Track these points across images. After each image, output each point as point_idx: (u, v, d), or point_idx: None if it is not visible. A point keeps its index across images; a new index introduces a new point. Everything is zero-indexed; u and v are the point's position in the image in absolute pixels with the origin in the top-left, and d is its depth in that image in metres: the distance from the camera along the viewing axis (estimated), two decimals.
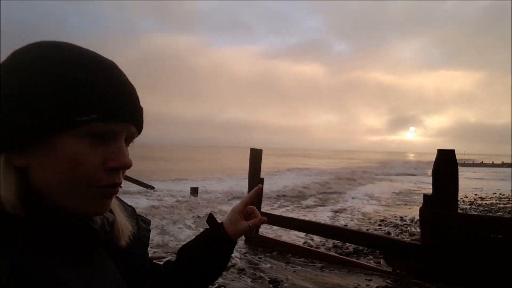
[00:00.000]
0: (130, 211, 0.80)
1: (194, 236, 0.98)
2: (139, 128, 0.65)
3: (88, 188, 0.57)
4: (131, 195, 12.92)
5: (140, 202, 11.23)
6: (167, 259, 0.90)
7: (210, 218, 0.98)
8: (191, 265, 0.91)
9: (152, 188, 14.96)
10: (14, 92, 0.55)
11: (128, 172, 0.64)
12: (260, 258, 6.35)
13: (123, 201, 0.78)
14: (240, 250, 6.72)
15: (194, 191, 13.43)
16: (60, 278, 0.54)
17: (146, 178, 16.77)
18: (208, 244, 0.93)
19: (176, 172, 26.30)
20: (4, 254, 0.50)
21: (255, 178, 7.32)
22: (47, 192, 0.57)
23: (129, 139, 0.64)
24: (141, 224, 0.80)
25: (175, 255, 0.94)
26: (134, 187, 14.40)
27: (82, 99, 0.55)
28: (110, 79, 0.59)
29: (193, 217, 10.51)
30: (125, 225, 0.72)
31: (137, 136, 0.66)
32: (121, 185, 0.63)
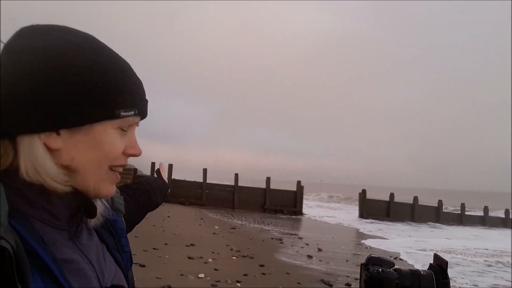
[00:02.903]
0: None
1: None
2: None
3: (108, 171, 0.69)
4: None
5: None
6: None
7: (158, 172, 1.50)
8: (150, 200, 1.29)
9: None
10: (65, 78, 0.62)
11: None
12: None
13: None
14: None
15: None
16: (64, 252, 0.65)
17: None
18: (162, 188, 1.42)
19: None
20: (14, 229, 0.56)
21: None
22: (74, 173, 0.65)
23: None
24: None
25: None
26: None
27: (127, 97, 0.68)
28: (138, 79, 0.73)
29: None
30: (98, 207, 0.76)
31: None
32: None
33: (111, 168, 0.70)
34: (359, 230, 21.06)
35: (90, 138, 0.65)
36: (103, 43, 0.71)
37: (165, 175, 1.51)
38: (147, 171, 28.22)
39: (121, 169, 0.72)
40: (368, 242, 15.95)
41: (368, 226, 23.33)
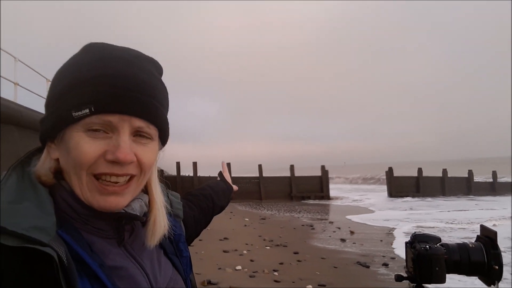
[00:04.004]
0: (160, 187, 0.85)
1: None
2: (152, 121, 0.68)
3: (89, 177, 0.65)
4: None
5: None
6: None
7: (221, 175, 1.48)
8: (214, 204, 1.28)
9: None
10: (48, 95, 0.70)
11: None
12: None
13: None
14: None
15: None
16: (113, 259, 0.67)
17: None
18: (225, 191, 1.40)
19: None
20: (62, 238, 0.61)
21: None
22: (68, 181, 0.67)
23: (140, 133, 0.67)
24: (172, 198, 0.92)
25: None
26: None
27: (77, 96, 0.64)
28: (109, 72, 0.65)
29: None
30: (160, 224, 0.76)
31: (154, 131, 0.69)
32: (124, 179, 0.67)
33: (96, 177, 0.65)
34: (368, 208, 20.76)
35: (64, 146, 0.65)
36: (93, 46, 0.69)
37: (227, 176, 1.50)
38: (172, 171, 28.64)
39: (110, 178, 0.65)
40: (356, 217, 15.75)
41: (399, 205, 23.01)
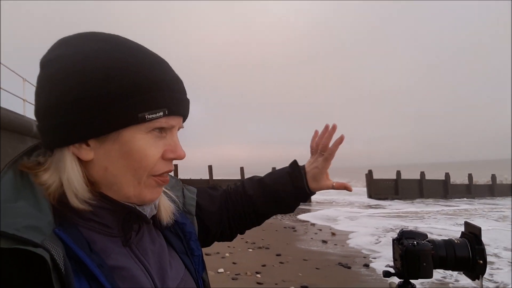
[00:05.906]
0: (174, 182, 0.88)
1: None
2: (185, 119, 0.72)
3: (148, 178, 0.65)
4: None
5: None
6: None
7: (295, 166, 1.03)
8: (266, 204, 1.03)
9: None
10: (84, 88, 0.60)
11: None
12: None
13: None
14: None
15: None
16: (115, 259, 0.64)
17: None
18: (288, 189, 1.01)
19: None
20: (60, 239, 0.57)
21: None
22: (109, 182, 0.64)
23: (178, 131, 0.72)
24: (187, 193, 0.90)
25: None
26: None
27: (149, 98, 0.62)
28: (169, 76, 0.66)
29: None
30: (167, 207, 0.78)
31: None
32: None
33: (152, 175, 0.66)
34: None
35: (119, 146, 0.62)
36: (128, 43, 0.67)
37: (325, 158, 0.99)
38: None
39: (167, 176, 0.69)
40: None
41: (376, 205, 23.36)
